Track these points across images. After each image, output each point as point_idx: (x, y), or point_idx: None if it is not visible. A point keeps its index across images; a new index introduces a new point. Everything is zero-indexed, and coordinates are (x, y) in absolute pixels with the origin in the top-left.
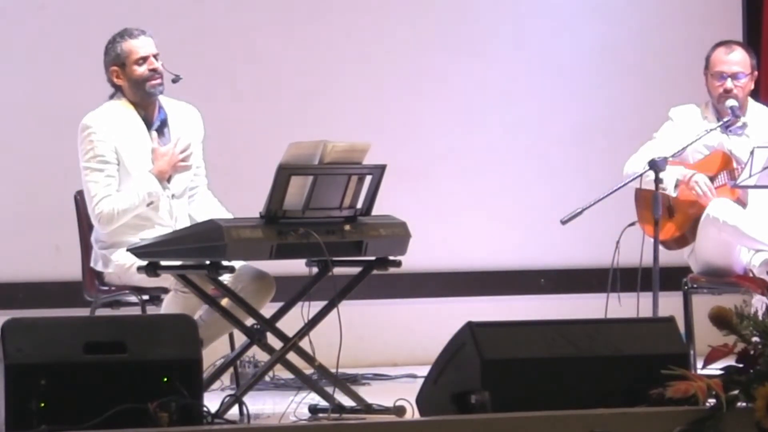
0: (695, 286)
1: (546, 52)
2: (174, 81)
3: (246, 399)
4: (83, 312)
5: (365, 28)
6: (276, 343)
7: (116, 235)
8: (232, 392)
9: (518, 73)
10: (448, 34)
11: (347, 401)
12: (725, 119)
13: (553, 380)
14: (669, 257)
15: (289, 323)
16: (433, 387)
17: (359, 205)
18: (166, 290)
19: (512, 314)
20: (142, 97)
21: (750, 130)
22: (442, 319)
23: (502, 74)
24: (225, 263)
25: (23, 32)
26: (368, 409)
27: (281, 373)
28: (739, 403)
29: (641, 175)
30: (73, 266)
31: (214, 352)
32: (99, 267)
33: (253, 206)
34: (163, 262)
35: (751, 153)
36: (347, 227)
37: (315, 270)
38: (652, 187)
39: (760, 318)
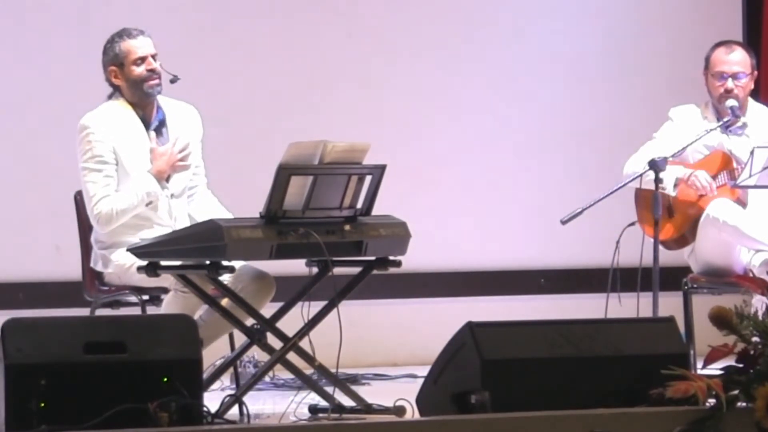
0: (695, 286)
1: (546, 53)
2: (172, 81)
3: (246, 399)
4: (83, 312)
5: (365, 29)
6: (276, 343)
7: (116, 236)
8: (232, 392)
9: (518, 74)
10: (448, 35)
11: (347, 401)
12: (725, 119)
13: (553, 380)
14: (669, 257)
15: (289, 323)
16: (433, 387)
17: (359, 205)
18: (166, 290)
19: (512, 314)
20: (140, 97)
21: (750, 130)
22: (442, 319)
23: (502, 74)
24: (225, 263)
25: (23, 32)
26: (368, 409)
27: (281, 373)
28: (739, 403)
29: (641, 175)
30: (73, 266)
31: (214, 352)
32: (99, 267)
33: (253, 206)
34: (163, 262)
35: (751, 153)
36: (347, 227)
37: (315, 270)
38: (652, 187)
39: (760, 318)
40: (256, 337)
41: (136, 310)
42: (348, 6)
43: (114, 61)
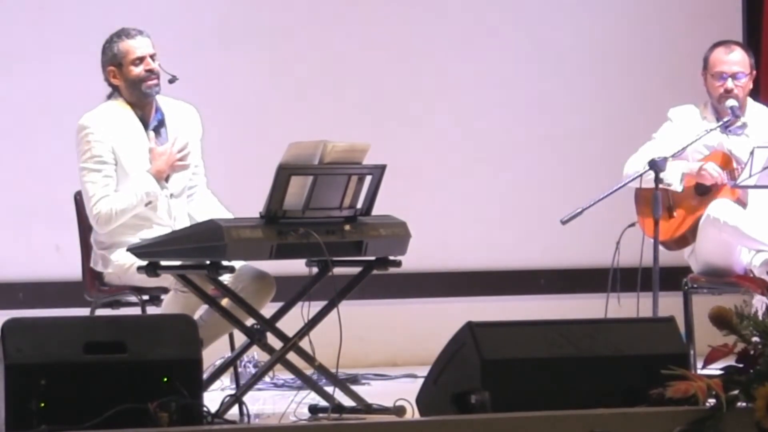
0: (695, 286)
1: (546, 53)
2: (170, 81)
3: (246, 399)
4: (83, 312)
5: (365, 28)
6: (276, 343)
7: (115, 236)
8: (232, 392)
9: (518, 74)
10: (447, 34)
11: (347, 401)
12: (725, 119)
13: (553, 380)
14: (669, 257)
15: (289, 323)
16: (433, 387)
17: (359, 205)
18: (166, 290)
19: (512, 314)
20: (139, 97)
21: (749, 129)
22: (442, 319)
23: (502, 74)
24: (225, 263)
25: (23, 32)
26: (368, 409)
27: (281, 373)
28: (739, 403)
29: (641, 175)
30: (73, 266)
31: (214, 352)
32: (99, 267)
33: (253, 206)
34: (163, 262)
35: (751, 153)
36: (347, 227)
37: (315, 270)
38: (653, 185)
39: (760, 318)
40: (256, 337)
41: (136, 310)
42: (348, 6)
43: (112, 61)
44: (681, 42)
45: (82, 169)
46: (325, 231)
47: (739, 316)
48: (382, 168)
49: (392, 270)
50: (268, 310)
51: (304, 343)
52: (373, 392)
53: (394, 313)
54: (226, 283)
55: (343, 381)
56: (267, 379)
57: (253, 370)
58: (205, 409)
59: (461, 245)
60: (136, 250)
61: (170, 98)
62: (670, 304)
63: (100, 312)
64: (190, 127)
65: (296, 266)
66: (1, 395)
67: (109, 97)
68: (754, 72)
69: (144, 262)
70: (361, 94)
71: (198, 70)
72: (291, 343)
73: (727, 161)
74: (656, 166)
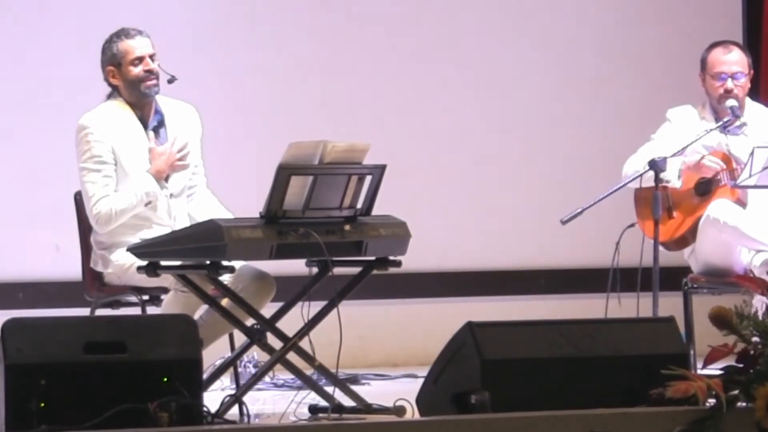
0: (695, 286)
1: (546, 53)
2: (170, 82)
3: (246, 399)
4: (83, 312)
5: (365, 29)
6: (276, 343)
7: (115, 236)
8: (232, 392)
9: (518, 74)
10: (447, 34)
11: (347, 401)
12: (725, 119)
13: (553, 380)
14: (669, 257)
15: (289, 323)
16: (433, 387)
17: (359, 205)
18: (166, 290)
19: (512, 314)
20: (138, 97)
21: (748, 129)
22: (442, 319)
23: (502, 74)
24: (225, 263)
25: (23, 32)
26: (368, 409)
27: (281, 373)
28: (739, 403)
29: (641, 175)
30: (73, 266)
31: (214, 352)
32: (99, 268)
33: (253, 206)
34: (163, 262)
35: (751, 153)
36: (347, 227)
37: (315, 270)
38: (652, 185)
39: (760, 318)
40: (256, 337)
41: (136, 310)
42: (348, 6)
43: (112, 61)
44: (681, 42)
45: (82, 169)
46: (325, 231)
47: (739, 316)
48: (382, 168)
49: (392, 270)
50: (268, 310)
51: (304, 343)
52: (373, 392)
53: (394, 313)
54: (226, 283)
55: (343, 381)
56: (267, 379)
57: (253, 370)
58: (205, 409)
59: (461, 245)
60: (136, 250)
61: (170, 98)
62: (670, 304)
63: (100, 312)
64: (189, 126)
65: (296, 266)
66: (1, 395)
67: (109, 97)
68: (752, 71)
69: (144, 262)
70: (361, 94)
71: (198, 70)
72: (291, 343)
73: (726, 161)
74: (656, 166)
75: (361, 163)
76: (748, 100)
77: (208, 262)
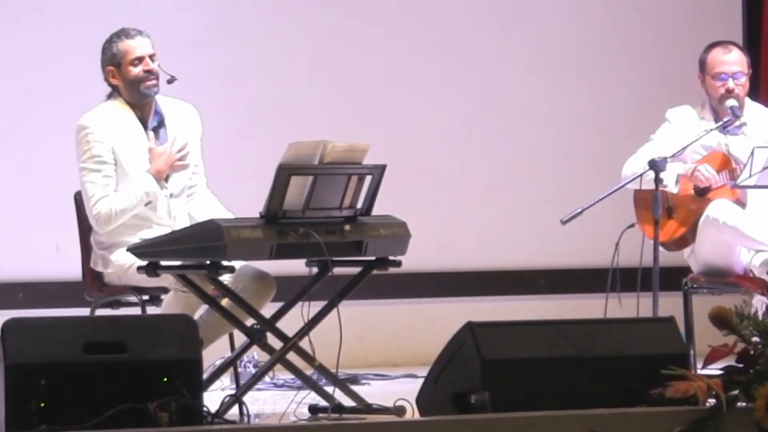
0: (695, 286)
1: (546, 53)
2: (169, 82)
3: (246, 399)
4: (83, 312)
5: (365, 29)
6: (276, 343)
7: (115, 236)
8: (232, 392)
9: (518, 74)
10: (448, 34)
11: (347, 401)
12: (725, 119)
13: (553, 380)
14: (669, 257)
15: (289, 323)
16: (433, 387)
17: (359, 205)
18: (166, 290)
19: (512, 314)
20: (137, 97)
21: (748, 129)
22: (442, 319)
23: (501, 74)
24: (225, 263)
25: (23, 32)
26: (368, 409)
27: (281, 373)
28: (739, 403)
29: (641, 175)
30: (73, 266)
31: (214, 352)
32: (99, 268)
33: (253, 206)
34: (163, 262)
35: (751, 153)
36: (347, 227)
37: (315, 270)
38: (652, 187)
39: (760, 318)
40: (256, 337)
41: (136, 310)
42: (348, 6)
43: (112, 61)
44: (681, 42)
45: (82, 169)
46: (325, 231)
47: (739, 316)
48: (382, 168)
49: (392, 270)
50: (268, 310)
51: (304, 343)
52: (373, 392)
53: (394, 313)
54: (226, 283)
55: (343, 381)
56: (267, 379)
57: (253, 370)
58: (205, 409)
59: (461, 245)
60: (136, 250)
61: (170, 98)
62: (670, 304)
63: (100, 312)
64: (189, 126)
65: (296, 266)
66: (1, 395)
67: (109, 97)
68: (751, 71)
69: (144, 262)
70: (361, 94)
71: (198, 70)
72: (291, 343)
73: (726, 162)
74: (656, 166)
75: (361, 163)
76: (747, 100)
77: (208, 262)
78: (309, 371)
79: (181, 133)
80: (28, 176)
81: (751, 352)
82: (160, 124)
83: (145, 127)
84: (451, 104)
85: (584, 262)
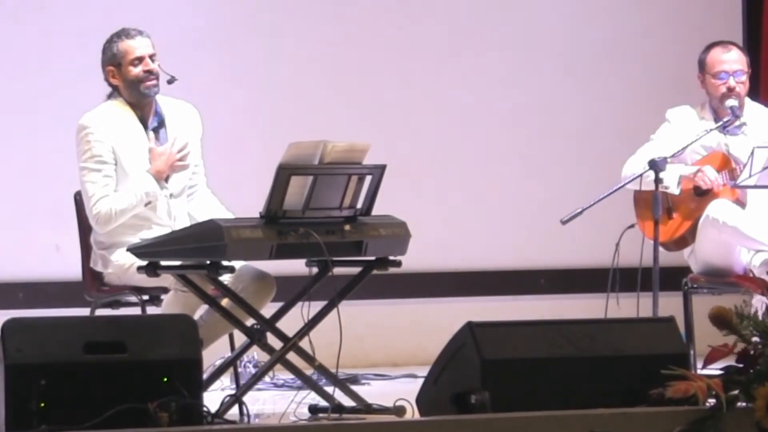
0: (695, 286)
1: (546, 53)
2: (169, 82)
3: (246, 399)
4: (83, 312)
5: (365, 28)
6: (276, 343)
7: (115, 236)
8: (232, 392)
9: (518, 74)
10: (448, 34)
11: (347, 401)
12: (725, 119)
13: (553, 380)
14: (669, 257)
15: (289, 323)
16: (433, 387)
17: (359, 205)
18: (166, 290)
19: (512, 314)
20: (137, 97)
21: (748, 129)
22: (442, 319)
23: (502, 74)
24: (225, 263)
25: (23, 32)
26: (368, 409)
27: (281, 373)
28: (739, 403)
29: (641, 175)
30: (73, 266)
31: (214, 352)
32: (98, 268)
33: (253, 206)
34: (163, 262)
35: (751, 153)
36: (347, 227)
37: (315, 270)
38: (652, 187)
39: (760, 318)
40: (256, 337)
41: (136, 310)
42: (348, 6)
43: (112, 61)
44: (681, 42)
45: (82, 168)
46: (325, 231)
47: (739, 316)
48: (382, 168)
49: (392, 270)
50: (268, 310)
51: (304, 343)
52: (373, 392)
53: (394, 313)
54: (226, 283)
55: (343, 381)
56: (267, 379)
57: (253, 370)
58: (205, 409)
59: (461, 245)
60: (136, 250)
61: (170, 98)
62: (670, 304)
63: (100, 312)
64: (190, 126)
65: (296, 266)
66: (1, 395)
67: (109, 96)
68: (750, 70)
69: (144, 262)
70: (361, 94)
71: (198, 70)
72: (291, 343)
73: (726, 162)
74: (656, 166)
75: (361, 163)
76: (747, 100)
77: (208, 262)
78: (309, 371)
79: (182, 134)
80: (28, 176)
81: (751, 352)
82: (161, 124)
83: (146, 127)
84: (451, 104)
85: (584, 262)
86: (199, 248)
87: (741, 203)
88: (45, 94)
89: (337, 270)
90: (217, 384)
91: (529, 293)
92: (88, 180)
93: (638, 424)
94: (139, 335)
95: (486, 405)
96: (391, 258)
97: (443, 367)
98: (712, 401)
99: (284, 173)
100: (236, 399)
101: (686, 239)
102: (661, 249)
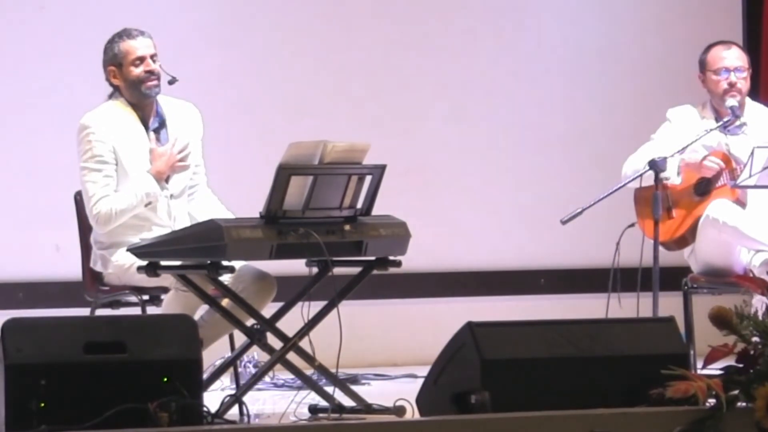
0: (695, 286)
1: (546, 52)
2: (170, 83)
3: (246, 399)
4: (83, 312)
5: (365, 28)
6: (276, 343)
7: (115, 236)
8: (232, 392)
9: (518, 73)
10: (447, 34)
11: (347, 401)
12: (725, 119)
13: (553, 380)
14: (669, 257)
15: (289, 323)
16: (433, 387)
17: (359, 205)
18: (166, 290)
19: (512, 314)
20: (139, 97)
21: (748, 129)
22: (442, 319)
23: (502, 74)
24: (225, 263)
25: (23, 32)
26: (368, 409)
27: (281, 373)
28: (739, 403)
29: (641, 175)
30: (73, 266)
31: (214, 352)
32: (98, 268)
33: (253, 206)
34: (163, 262)
35: (751, 153)
36: (347, 227)
37: (315, 270)
38: (652, 185)
39: (760, 318)
40: (256, 337)
41: (136, 310)
42: (347, 6)
43: (113, 61)
44: (681, 42)
45: (83, 168)
46: (325, 231)
47: (739, 316)
48: (382, 168)
49: (392, 270)
50: (268, 310)
51: (304, 343)
52: (373, 392)
53: (394, 313)
54: (226, 283)
55: (343, 381)
56: (267, 379)
57: (253, 370)
58: (205, 409)
59: (461, 245)
60: (136, 250)
61: (171, 98)
62: (670, 304)
63: (100, 312)
64: (190, 126)
65: (296, 266)
66: (1, 395)
67: (110, 97)
68: (751, 69)
69: (144, 262)
70: (361, 94)
71: (198, 70)
72: (291, 343)
73: (726, 161)
74: (656, 166)
75: (361, 163)
76: (748, 100)
77: (208, 262)
78: (309, 371)
79: (182, 134)
80: (28, 176)
81: (751, 352)
82: (162, 124)
83: (147, 127)
84: (451, 104)
85: (584, 262)
86: (199, 248)
87: (741, 203)
88: (45, 94)
89: (337, 270)
90: (217, 384)
91: (529, 293)
92: (88, 180)
93: (638, 424)
94: (139, 335)
95: (486, 405)
96: (391, 258)
97: (443, 367)
98: (712, 401)
99: (284, 173)
100: (236, 399)
101: (686, 239)
102: (661, 249)
